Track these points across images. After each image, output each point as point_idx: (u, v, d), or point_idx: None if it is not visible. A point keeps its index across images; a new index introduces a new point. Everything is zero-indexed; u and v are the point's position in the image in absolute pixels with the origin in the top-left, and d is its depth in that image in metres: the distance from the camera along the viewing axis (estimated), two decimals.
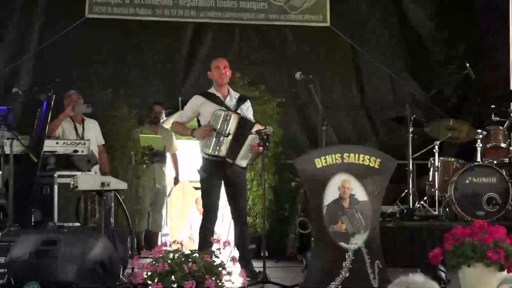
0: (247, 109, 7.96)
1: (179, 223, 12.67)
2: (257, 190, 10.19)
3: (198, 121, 7.93)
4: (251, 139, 7.65)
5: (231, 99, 7.94)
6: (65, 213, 8.61)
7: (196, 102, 7.90)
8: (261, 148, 7.69)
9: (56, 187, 8.66)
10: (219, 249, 6.33)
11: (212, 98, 7.85)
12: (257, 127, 7.68)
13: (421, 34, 12.08)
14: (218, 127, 7.62)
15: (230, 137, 7.62)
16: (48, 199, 8.70)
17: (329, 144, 7.46)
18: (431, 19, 12.09)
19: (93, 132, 9.58)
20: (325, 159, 6.73)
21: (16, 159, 7.92)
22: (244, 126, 7.66)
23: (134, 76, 11.12)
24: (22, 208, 8.20)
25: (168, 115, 10.97)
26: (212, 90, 7.94)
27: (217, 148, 7.61)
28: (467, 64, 10.28)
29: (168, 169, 10.71)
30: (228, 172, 7.75)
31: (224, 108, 7.74)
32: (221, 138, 7.61)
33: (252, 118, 7.90)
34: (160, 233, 10.83)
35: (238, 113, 7.78)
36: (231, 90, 8.03)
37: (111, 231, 7.95)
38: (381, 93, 11.96)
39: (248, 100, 8.08)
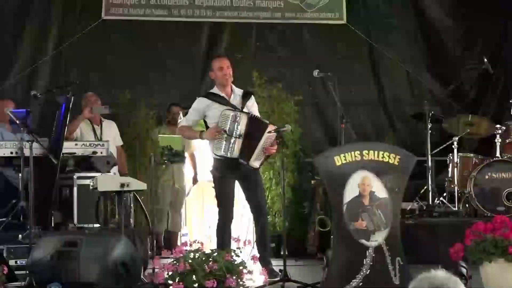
0: (252, 105, 7.91)
1: (198, 223, 12.68)
2: (276, 188, 10.18)
3: (205, 122, 7.87)
4: (265, 140, 7.59)
5: (235, 97, 7.86)
6: (85, 215, 8.65)
7: (201, 104, 7.83)
8: (274, 149, 7.67)
9: (75, 188, 8.71)
10: (239, 248, 6.34)
11: (217, 98, 7.77)
12: (271, 127, 7.64)
13: (438, 29, 12.01)
14: (228, 128, 7.55)
15: (241, 138, 7.55)
16: (68, 200, 8.75)
17: (348, 141, 7.41)
18: (448, 15, 12.03)
19: (111, 133, 9.60)
20: (344, 156, 6.73)
21: (36, 161, 7.94)
22: (255, 125, 7.60)
23: (152, 77, 11.14)
24: (42, 210, 8.23)
25: (185, 115, 10.97)
26: (215, 90, 7.87)
27: (229, 149, 7.55)
28: (485, 59, 10.23)
29: (186, 169, 10.75)
30: (242, 169, 7.68)
31: (231, 108, 7.67)
32: (232, 140, 7.55)
33: (259, 116, 7.85)
34: (179, 233, 10.85)
35: (247, 112, 7.71)
36: (234, 87, 7.93)
37: (131, 231, 7.99)
38: (399, 90, 11.93)
39: (252, 95, 8.03)
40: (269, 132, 7.53)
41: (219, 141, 7.58)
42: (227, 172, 7.69)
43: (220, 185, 7.77)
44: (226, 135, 7.55)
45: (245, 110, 7.76)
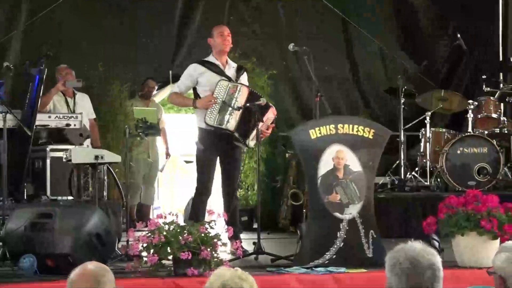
0: (245, 81, 7.82)
1: (169, 196, 12.72)
2: (249, 162, 10.19)
3: (195, 90, 7.76)
4: (265, 121, 7.49)
5: (230, 68, 7.79)
6: (58, 187, 8.63)
7: (195, 71, 7.70)
8: (269, 132, 7.63)
9: (48, 161, 8.67)
10: (214, 220, 6.36)
11: (211, 67, 7.67)
12: (273, 110, 7.60)
13: (412, 5, 12.04)
14: (224, 99, 7.46)
15: (240, 111, 7.44)
16: (40, 173, 8.72)
17: (323, 115, 7.43)
18: None
19: (85, 106, 9.53)
20: (319, 130, 6.77)
21: (8, 133, 7.87)
22: (254, 101, 7.45)
23: (125, 50, 11.03)
24: (15, 182, 8.19)
25: (159, 89, 10.95)
26: (210, 58, 7.76)
27: (224, 120, 7.43)
28: (459, 35, 10.30)
29: (159, 143, 10.74)
30: (226, 146, 7.61)
31: (226, 79, 7.59)
32: (229, 110, 7.44)
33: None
34: (151, 206, 10.86)
35: (247, 86, 7.64)
36: (229, 59, 7.89)
37: (104, 204, 7.98)
38: (372, 66, 11.95)
39: (245, 72, 7.97)
40: (252, 105, 7.40)
41: (212, 111, 7.45)
42: (212, 146, 7.60)
43: (202, 158, 7.67)
44: (221, 105, 7.43)
45: (239, 82, 7.66)
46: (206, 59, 7.80)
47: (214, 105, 7.45)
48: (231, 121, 7.44)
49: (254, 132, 7.44)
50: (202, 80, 7.64)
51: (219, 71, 7.66)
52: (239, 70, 7.83)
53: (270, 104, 7.72)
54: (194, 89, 7.76)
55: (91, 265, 3.29)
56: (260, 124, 7.38)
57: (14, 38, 10.59)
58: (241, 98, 7.49)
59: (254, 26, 11.60)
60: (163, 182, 11.67)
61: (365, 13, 11.90)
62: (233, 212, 7.63)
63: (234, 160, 7.76)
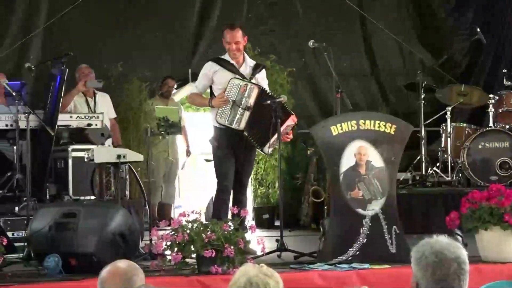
0: (262, 79, 7.76)
1: (191, 195, 12.72)
2: (269, 160, 10.18)
3: (211, 89, 7.73)
4: (284, 129, 7.47)
5: (246, 66, 7.73)
6: (80, 187, 8.68)
7: (210, 69, 7.66)
8: (290, 137, 7.63)
9: (70, 161, 8.72)
10: (238, 217, 6.37)
11: (226, 65, 7.62)
12: (293, 118, 7.57)
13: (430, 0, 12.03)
14: (236, 98, 7.43)
15: (250, 111, 7.41)
16: (62, 173, 8.77)
17: (344, 111, 7.42)
18: None
19: (105, 105, 9.57)
20: (341, 126, 6.76)
21: (31, 133, 7.91)
22: (265, 100, 7.37)
23: (144, 49, 11.06)
24: (37, 182, 8.23)
25: (178, 87, 10.97)
26: (226, 56, 7.70)
27: (234, 120, 7.42)
28: (478, 29, 10.25)
29: (179, 142, 10.77)
30: (241, 143, 7.58)
31: (239, 77, 7.56)
32: (239, 110, 7.42)
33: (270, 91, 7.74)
34: (172, 205, 10.88)
35: (258, 85, 7.56)
36: (247, 57, 7.83)
37: (126, 203, 8.00)
38: (391, 61, 11.95)
39: (264, 69, 7.90)
40: (267, 103, 7.33)
41: (223, 110, 7.45)
42: (227, 143, 7.58)
43: (218, 155, 7.65)
44: (232, 104, 7.42)
45: (253, 81, 7.62)
46: (222, 57, 7.77)
47: (225, 104, 7.44)
48: (241, 121, 7.42)
49: (272, 140, 7.44)
50: (217, 79, 7.63)
51: (234, 69, 7.62)
52: (256, 68, 7.77)
53: (291, 112, 7.69)
54: (210, 87, 7.74)
55: (122, 264, 3.31)
56: (283, 127, 7.39)
57: (35, 39, 10.64)
58: (251, 97, 7.46)
59: (272, 23, 11.61)
60: (184, 180, 11.67)
61: (383, 7, 11.89)
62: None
63: (248, 157, 7.74)
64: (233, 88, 7.46)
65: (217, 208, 7.59)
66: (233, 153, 7.60)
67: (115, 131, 9.56)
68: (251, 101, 7.45)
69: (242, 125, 7.43)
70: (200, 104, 8.14)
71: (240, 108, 7.42)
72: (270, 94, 7.65)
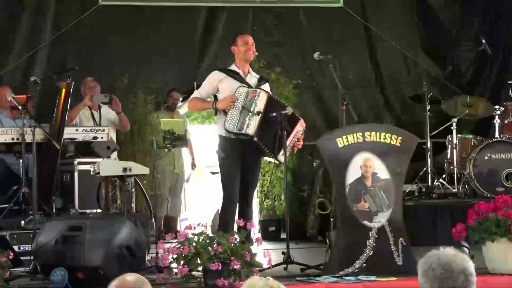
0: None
1: (197, 208, 12.70)
2: (275, 172, 10.18)
3: (215, 98, 7.68)
4: (294, 135, 7.49)
5: (251, 77, 7.76)
6: (86, 200, 8.67)
7: (216, 77, 7.67)
8: (301, 144, 7.62)
9: (76, 174, 8.73)
10: (244, 230, 6.37)
11: (232, 74, 7.64)
12: (302, 123, 7.59)
13: (434, 10, 12.03)
14: (244, 103, 7.40)
15: (259, 116, 7.38)
16: (68, 186, 8.76)
17: (349, 123, 7.42)
18: None
19: (110, 117, 9.59)
20: (346, 138, 6.76)
21: (36, 147, 7.91)
22: (274, 107, 7.41)
23: (149, 62, 11.10)
24: (43, 196, 8.22)
25: (183, 100, 10.98)
26: (232, 67, 7.74)
27: (242, 125, 7.37)
28: (483, 40, 10.25)
29: (184, 154, 10.77)
30: (247, 153, 7.54)
31: (245, 85, 7.55)
32: (248, 115, 7.38)
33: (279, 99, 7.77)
34: (178, 218, 10.88)
35: (267, 91, 7.59)
36: (251, 69, 7.87)
37: (132, 216, 8.00)
38: (396, 72, 11.94)
39: (267, 83, 7.92)
40: (273, 114, 7.34)
41: (231, 116, 7.41)
42: (233, 152, 7.52)
43: (225, 166, 7.59)
44: (241, 110, 7.39)
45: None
46: (228, 67, 7.80)
47: (233, 110, 7.40)
48: (251, 126, 7.37)
49: (285, 148, 7.37)
50: (222, 87, 7.61)
51: (240, 79, 7.63)
52: (260, 81, 7.80)
53: (299, 117, 7.69)
54: (215, 97, 7.70)
55: (130, 277, 3.30)
56: (291, 137, 7.38)
57: (40, 52, 10.68)
58: (260, 103, 7.44)
59: (277, 35, 11.64)
60: (190, 193, 11.67)
61: (387, 18, 11.90)
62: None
63: (254, 168, 7.71)
64: (242, 95, 7.46)
65: (226, 220, 7.48)
66: (240, 163, 7.56)
67: (123, 119, 9.57)
68: (261, 106, 7.43)
69: (252, 130, 7.37)
70: (202, 108, 8.05)
71: (249, 113, 7.39)
72: (278, 100, 7.69)
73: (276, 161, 7.69)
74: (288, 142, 7.39)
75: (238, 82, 7.58)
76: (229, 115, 7.43)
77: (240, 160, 7.57)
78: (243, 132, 7.39)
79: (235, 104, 7.43)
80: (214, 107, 7.59)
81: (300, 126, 7.60)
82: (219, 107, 7.53)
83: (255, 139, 7.39)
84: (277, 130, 7.30)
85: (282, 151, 7.36)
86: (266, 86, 7.85)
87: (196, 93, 7.92)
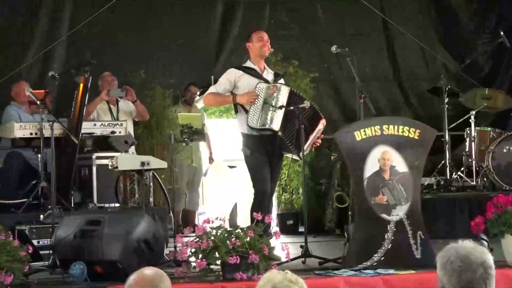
0: None
1: (214, 201, 12.71)
2: (293, 166, 10.17)
3: (232, 94, 7.62)
4: (317, 132, 7.50)
5: (268, 73, 7.74)
6: (104, 194, 8.72)
7: (233, 74, 7.62)
8: (319, 141, 7.61)
9: (94, 168, 8.77)
10: (263, 223, 6.36)
11: (249, 71, 7.61)
12: (323, 122, 7.58)
13: (452, 3, 11.98)
14: (266, 98, 7.34)
15: (282, 110, 7.33)
16: (87, 181, 8.81)
17: (367, 116, 7.40)
18: None
19: (129, 109, 9.61)
20: (364, 131, 6.75)
21: (55, 142, 7.94)
22: (295, 101, 7.39)
23: (166, 56, 11.13)
24: (62, 190, 8.26)
25: (200, 94, 10.98)
26: (248, 64, 7.71)
27: (265, 120, 7.31)
28: (502, 33, 10.19)
29: (202, 149, 10.78)
30: (272, 150, 7.51)
31: (264, 81, 7.52)
32: (270, 109, 7.32)
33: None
34: (196, 212, 10.89)
35: (287, 85, 7.58)
36: (266, 65, 7.84)
37: (151, 210, 8.02)
38: (414, 65, 11.91)
39: (282, 78, 7.91)
40: (291, 108, 7.33)
41: (254, 113, 7.35)
42: (260, 148, 7.45)
43: (252, 161, 7.49)
44: (263, 105, 7.32)
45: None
46: (243, 64, 7.77)
47: (254, 106, 7.35)
48: (275, 121, 7.31)
49: (307, 143, 7.41)
50: (241, 84, 7.57)
51: (257, 75, 7.60)
52: (276, 76, 7.79)
53: (322, 115, 7.67)
54: (232, 93, 7.65)
55: (148, 271, 3.31)
56: (313, 135, 7.41)
57: (58, 48, 10.71)
58: (282, 97, 7.38)
59: (294, 29, 11.62)
60: (208, 187, 11.69)
61: (405, 11, 11.86)
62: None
63: (277, 164, 7.70)
64: (262, 91, 7.40)
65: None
66: (266, 158, 7.51)
67: (139, 108, 9.61)
68: (283, 100, 7.37)
69: (276, 125, 7.31)
70: (219, 102, 8.04)
71: (271, 107, 7.33)
72: (299, 94, 7.65)
73: (297, 157, 7.63)
74: (309, 141, 7.42)
75: (256, 78, 7.55)
76: (251, 112, 7.38)
77: (266, 155, 7.51)
78: (267, 127, 7.34)
79: (256, 100, 7.39)
80: (235, 101, 7.53)
81: (322, 125, 7.59)
82: (240, 101, 7.47)
83: (280, 133, 7.35)
84: (311, 136, 7.35)
85: (306, 145, 7.38)
86: (282, 82, 7.83)
87: (212, 89, 7.85)
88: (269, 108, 7.34)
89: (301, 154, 7.41)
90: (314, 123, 7.53)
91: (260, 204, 7.33)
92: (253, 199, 7.49)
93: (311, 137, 7.48)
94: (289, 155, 7.72)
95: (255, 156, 7.48)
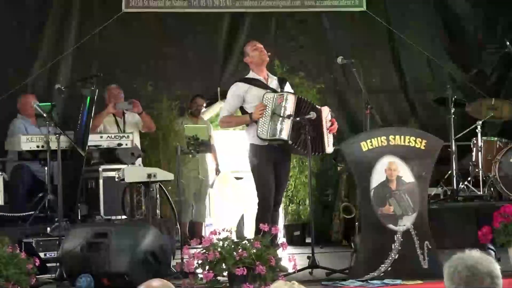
0: (290, 91, 7.75)
1: (221, 213, 12.71)
2: (299, 177, 10.17)
3: (242, 109, 7.67)
4: (325, 123, 7.50)
5: (272, 80, 7.73)
6: (111, 207, 8.71)
7: (239, 89, 7.60)
8: (335, 128, 7.60)
9: (101, 181, 8.76)
10: (270, 235, 6.36)
11: (255, 82, 7.59)
12: (325, 109, 7.58)
13: (458, 13, 11.98)
14: (274, 109, 7.31)
15: (290, 119, 7.29)
16: (93, 193, 8.81)
17: (373, 127, 7.40)
18: None
19: (135, 121, 9.63)
20: (371, 142, 6.76)
21: (61, 154, 7.95)
22: (303, 108, 7.39)
23: (173, 68, 11.14)
24: (69, 203, 8.27)
25: (207, 106, 11.00)
26: (251, 75, 7.69)
27: (275, 130, 7.28)
28: (508, 43, 10.19)
29: (209, 160, 10.79)
30: (279, 158, 7.53)
31: (270, 91, 7.51)
32: (279, 120, 7.29)
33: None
34: (203, 223, 10.89)
35: (294, 93, 7.58)
36: (268, 72, 7.82)
37: (157, 222, 8.03)
38: (420, 75, 11.89)
39: (287, 82, 7.90)
40: (296, 120, 7.31)
41: (263, 124, 7.32)
42: (266, 158, 7.45)
43: (259, 172, 7.51)
44: (271, 116, 7.28)
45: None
46: (247, 76, 7.75)
47: (263, 118, 7.33)
48: (284, 130, 7.28)
49: (326, 140, 7.46)
50: (249, 97, 7.55)
51: (263, 85, 7.59)
52: (281, 82, 7.78)
53: (318, 107, 7.64)
54: (241, 108, 7.68)
55: (156, 283, 3.31)
56: (323, 126, 7.43)
57: (64, 60, 10.74)
58: (289, 106, 7.35)
59: (300, 40, 11.62)
60: (214, 199, 11.69)
61: (411, 22, 11.86)
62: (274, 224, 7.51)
63: (285, 172, 7.72)
64: (269, 102, 7.37)
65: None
66: (273, 168, 7.51)
67: (146, 120, 9.62)
68: (290, 108, 7.34)
69: (285, 134, 7.29)
70: (238, 123, 8.01)
71: (280, 118, 7.30)
72: (306, 100, 7.63)
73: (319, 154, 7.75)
74: (326, 135, 7.49)
75: (262, 89, 7.54)
76: (260, 123, 7.35)
77: (273, 165, 7.52)
78: (277, 137, 7.32)
79: (264, 111, 7.38)
80: (252, 120, 7.46)
81: (326, 112, 7.58)
82: (255, 118, 7.40)
83: (290, 142, 7.32)
84: (313, 129, 7.32)
85: (327, 143, 7.45)
86: (288, 86, 7.84)
87: (224, 112, 7.80)
88: (277, 119, 7.31)
89: (326, 150, 7.53)
90: (318, 120, 7.49)
91: (263, 215, 7.37)
92: (257, 207, 7.52)
93: (324, 131, 7.48)
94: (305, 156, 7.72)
95: (262, 167, 7.48)
